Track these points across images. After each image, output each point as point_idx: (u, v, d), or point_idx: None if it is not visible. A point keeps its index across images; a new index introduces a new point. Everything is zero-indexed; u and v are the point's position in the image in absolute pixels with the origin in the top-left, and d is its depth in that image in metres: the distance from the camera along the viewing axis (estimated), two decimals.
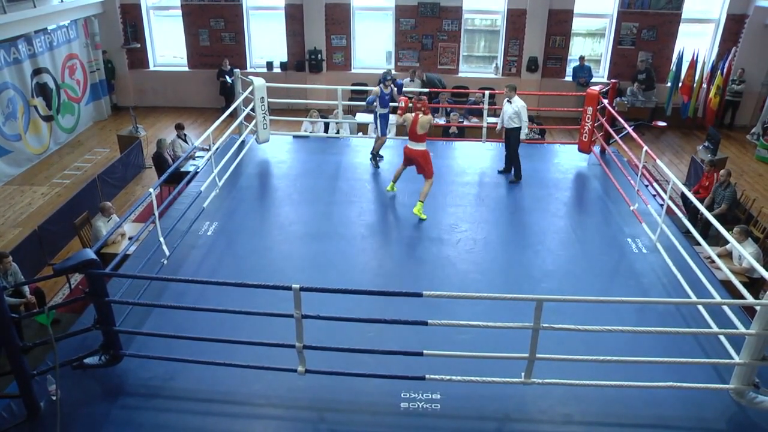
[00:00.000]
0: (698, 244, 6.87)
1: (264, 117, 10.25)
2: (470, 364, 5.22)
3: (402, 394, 5.11)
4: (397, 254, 7.43)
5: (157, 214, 6.78)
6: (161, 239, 6.85)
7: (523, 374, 4.92)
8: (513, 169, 9.49)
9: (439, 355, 5.03)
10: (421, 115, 8.11)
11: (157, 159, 11.08)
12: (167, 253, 6.87)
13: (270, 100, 10.37)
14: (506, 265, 7.30)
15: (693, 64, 15.11)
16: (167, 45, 16.90)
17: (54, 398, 4.77)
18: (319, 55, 16.16)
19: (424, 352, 4.89)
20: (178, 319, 5.75)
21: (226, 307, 5.05)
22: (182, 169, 10.12)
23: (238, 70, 10.71)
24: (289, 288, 4.65)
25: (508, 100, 9.34)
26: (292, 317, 4.76)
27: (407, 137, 8.30)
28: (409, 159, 8.37)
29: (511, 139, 9.42)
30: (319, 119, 12.09)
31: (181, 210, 7.78)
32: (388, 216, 8.34)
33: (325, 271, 6.96)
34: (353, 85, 15.78)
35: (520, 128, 9.29)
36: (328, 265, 7.08)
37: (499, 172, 9.74)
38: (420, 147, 8.24)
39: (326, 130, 12.10)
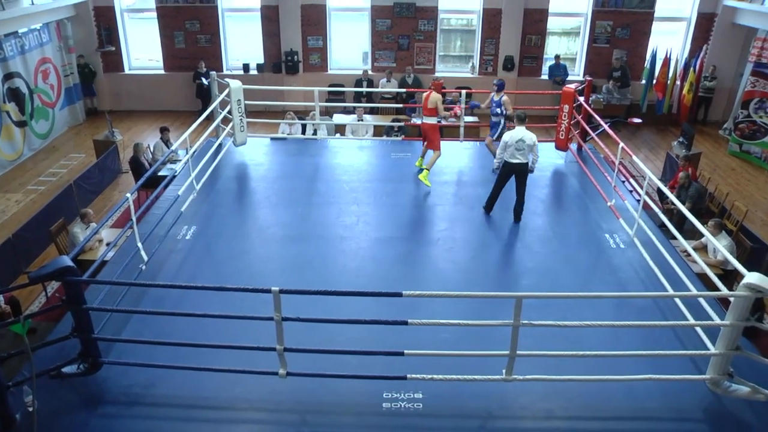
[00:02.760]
0: (674, 238, 6.96)
1: (241, 119, 10.21)
2: (451, 363, 5.23)
3: (384, 395, 5.11)
4: (377, 254, 7.44)
5: (134, 219, 6.72)
6: (139, 245, 6.79)
7: (504, 371, 4.94)
8: (516, 205, 8.25)
9: (420, 354, 5.04)
10: (433, 93, 9.03)
11: (134, 163, 10.97)
12: (145, 258, 6.81)
13: (247, 102, 10.33)
14: (485, 263, 7.34)
15: (666, 61, 15.35)
16: (142, 48, 16.76)
17: (30, 409, 4.69)
18: (296, 57, 16.13)
19: (405, 351, 4.90)
20: (158, 325, 5.70)
21: (206, 312, 5.02)
22: (160, 173, 10.04)
23: (214, 72, 10.66)
24: (268, 291, 4.63)
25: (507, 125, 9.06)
26: (273, 320, 4.74)
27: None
28: (423, 132, 9.48)
29: (519, 175, 8.12)
30: (297, 121, 12.06)
31: (159, 215, 7.71)
32: (366, 217, 8.34)
33: (305, 273, 6.94)
34: (330, 86, 15.78)
35: (527, 163, 8.15)
36: (307, 267, 7.06)
37: (484, 208, 8.49)
38: (429, 120, 9.23)
39: (303, 132, 12.07)
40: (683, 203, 9.70)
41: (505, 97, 9.68)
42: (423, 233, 7.95)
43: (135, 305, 6.16)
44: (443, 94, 9.34)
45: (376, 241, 7.74)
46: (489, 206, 8.42)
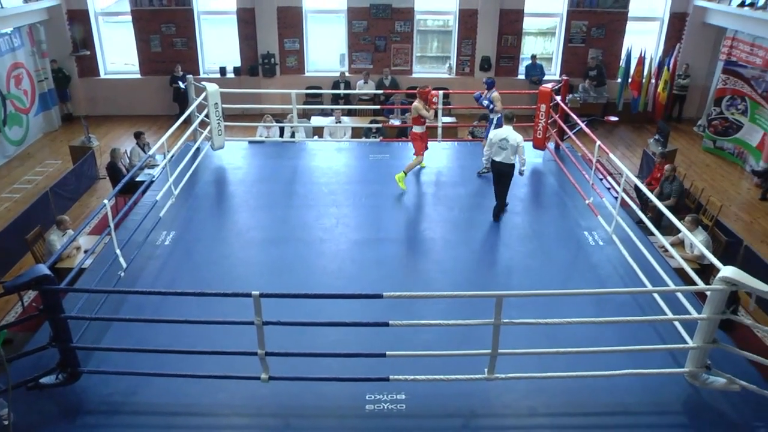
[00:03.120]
0: (652, 234, 7.04)
1: (218, 123, 10.15)
2: (434, 363, 5.25)
3: (367, 396, 5.11)
4: (357, 256, 7.43)
5: (112, 225, 6.65)
6: (117, 251, 6.72)
7: (486, 370, 4.97)
8: (496, 206, 8.32)
9: (402, 355, 5.05)
10: (415, 101, 9.12)
11: (111, 169, 10.86)
12: (124, 265, 6.75)
13: (224, 105, 10.27)
14: (466, 263, 7.36)
15: (641, 60, 15.53)
16: (118, 52, 16.60)
17: (6, 423, 4.61)
18: (273, 59, 16.07)
19: (387, 353, 4.90)
20: (138, 332, 5.64)
21: (186, 318, 4.98)
22: (137, 179, 9.95)
23: (191, 76, 10.58)
24: (248, 295, 4.61)
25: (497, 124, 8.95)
26: (254, 324, 4.72)
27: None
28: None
29: (501, 176, 8.23)
30: (274, 124, 12.02)
31: (137, 220, 7.64)
32: (346, 219, 8.33)
33: (285, 277, 6.92)
34: (307, 88, 15.73)
35: (514, 165, 8.19)
36: (288, 270, 7.04)
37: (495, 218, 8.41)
38: (414, 129, 9.31)
39: (281, 135, 12.03)
40: (667, 196, 9.84)
41: (495, 94, 9.56)
42: (402, 234, 7.97)
43: (114, 313, 6.09)
44: (426, 100, 9.20)
45: (355, 242, 7.74)
46: (499, 212, 8.37)
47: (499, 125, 8.90)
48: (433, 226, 8.19)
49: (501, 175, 8.19)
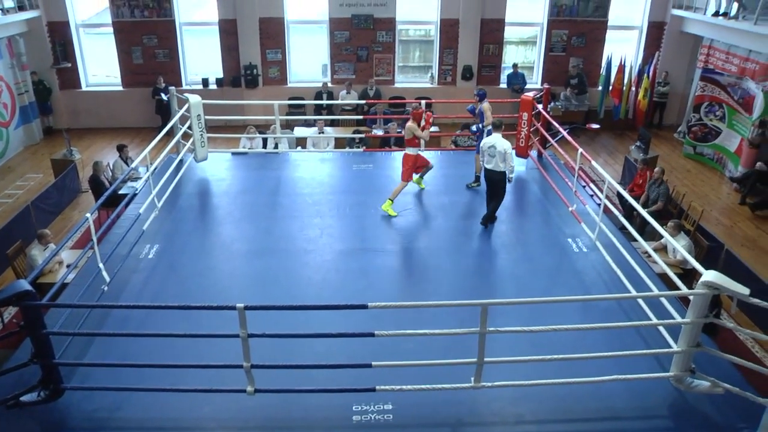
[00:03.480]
0: (635, 240, 7.09)
1: (201, 135, 10.12)
2: (420, 373, 5.24)
3: (354, 407, 5.09)
4: (341, 267, 7.43)
5: (95, 239, 6.59)
6: (101, 265, 6.66)
7: (473, 379, 4.97)
8: (487, 213, 8.35)
9: (388, 365, 5.04)
10: (408, 122, 8.87)
11: (93, 182, 10.77)
12: (107, 279, 6.68)
13: (207, 117, 10.24)
14: (450, 271, 7.38)
15: (621, 68, 15.70)
16: (100, 64, 16.48)
17: None
18: (255, 70, 16.05)
19: (373, 363, 4.89)
20: (123, 347, 5.59)
21: (171, 331, 4.95)
22: (120, 192, 9.88)
23: (173, 87, 10.55)
24: (233, 307, 4.59)
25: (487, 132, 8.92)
26: (239, 337, 4.69)
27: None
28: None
29: (492, 184, 8.30)
30: (257, 135, 12.01)
31: (121, 234, 7.59)
32: (330, 229, 8.33)
33: (270, 288, 6.90)
34: (290, 99, 15.68)
35: (504, 172, 8.20)
36: (272, 282, 7.02)
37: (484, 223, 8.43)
38: (407, 150, 8.93)
39: (265, 146, 12.02)
40: (655, 200, 9.90)
41: (485, 104, 9.43)
42: (387, 244, 7.97)
43: (98, 327, 6.03)
44: (419, 122, 8.89)
45: (340, 253, 7.73)
46: (488, 219, 8.39)
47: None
48: (417, 235, 8.21)
49: (492, 182, 8.26)
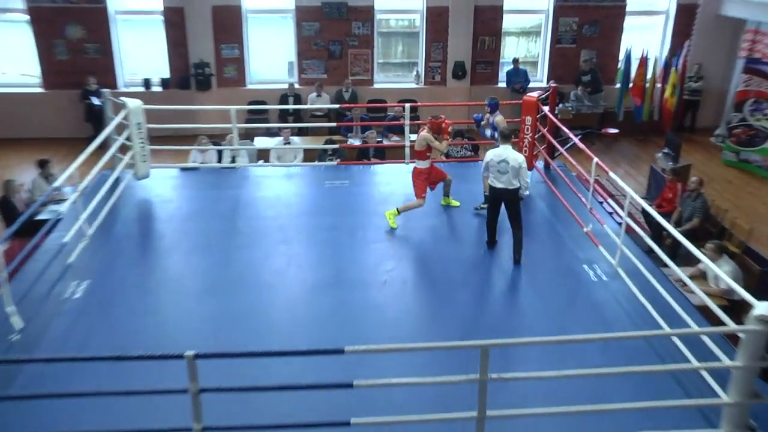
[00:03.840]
0: (666, 265, 7.07)
1: (142, 147, 10.05)
2: (409, 430, 5.17)
3: None
4: (313, 303, 7.38)
5: (5, 275, 6.48)
6: (10, 308, 6.51)
7: None
8: (514, 242, 8.19)
9: (371, 423, 4.96)
10: (423, 131, 8.90)
11: (4, 205, 10.65)
12: (20, 325, 6.54)
13: (149, 126, 10.20)
14: (443, 307, 7.34)
15: (643, 61, 15.81)
16: (11, 59, 16.28)
17: None
18: (208, 69, 16.08)
19: (352, 420, 4.80)
20: (41, 411, 5.45)
21: (101, 389, 4.84)
22: (40, 217, 9.74)
23: (107, 90, 10.49)
24: (181, 356, 4.51)
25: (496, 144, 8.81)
26: (187, 392, 4.60)
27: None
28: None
29: (507, 203, 8.20)
30: (211, 147, 11.97)
31: (39, 269, 7.48)
32: (299, 259, 8.28)
33: (227, 332, 6.79)
34: (250, 103, 15.73)
35: (518, 189, 8.18)
36: (230, 324, 6.92)
37: (487, 243, 8.52)
38: (417, 164, 9.05)
39: (220, 160, 11.98)
40: (690, 217, 9.89)
41: (499, 117, 9.30)
42: (367, 275, 7.92)
43: (5, 389, 5.86)
44: (439, 132, 8.82)
45: (311, 287, 7.68)
46: (490, 241, 8.46)
47: None
48: (403, 264, 8.18)
49: (507, 203, 8.15)
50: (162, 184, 10.48)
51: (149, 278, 7.94)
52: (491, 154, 8.14)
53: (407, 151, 10.81)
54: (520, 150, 10.61)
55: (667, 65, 15.80)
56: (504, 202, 8.17)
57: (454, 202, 9.64)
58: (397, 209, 8.97)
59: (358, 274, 7.94)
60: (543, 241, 8.76)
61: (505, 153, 8.04)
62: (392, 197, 9.93)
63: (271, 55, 16.81)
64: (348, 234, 8.80)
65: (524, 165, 8.07)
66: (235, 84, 16.56)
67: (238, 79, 16.58)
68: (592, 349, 6.26)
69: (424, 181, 9.01)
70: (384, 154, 12.77)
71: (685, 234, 6.84)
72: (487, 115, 9.53)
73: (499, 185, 8.08)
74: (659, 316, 6.61)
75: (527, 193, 8.27)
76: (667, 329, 6.38)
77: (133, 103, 9.94)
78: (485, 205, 9.21)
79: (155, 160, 10.76)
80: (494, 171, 8.08)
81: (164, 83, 16.34)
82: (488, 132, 9.55)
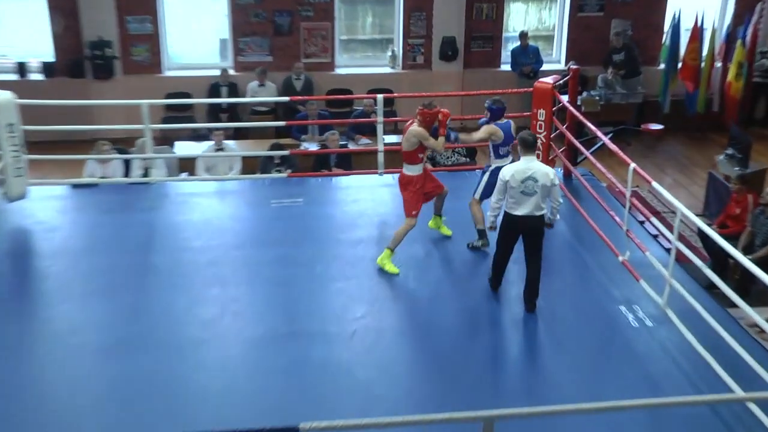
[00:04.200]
0: (734, 305, 7.07)
1: (16, 157, 9.99)
2: None
3: None
4: (257, 364, 7.37)
5: None
6: None
7: None
8: (528, 284, 8.12)
9: None
10: (413, 125, 8.77)
11: None
12: None
13: (26, 127, 10.19)
14: (431, 365, 7.36)
15: (697, 32, 15.83)
16: None
17: None
18: (108, 51, 16.00)
19: None
20: None
21: None
22: None
23: None
24: None
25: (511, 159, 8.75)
26: None
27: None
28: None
29: (529, 235, 8.01)
30: (115, 155, 11.92)
31: None
32: (237, 305, 8.26)
33: (137, 405, 6.73)
34: (168, 96, 15.68)
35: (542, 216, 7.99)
36: (142, 396, 6.86)
37: (490, 283, 8.49)
38: (405, 170, 8.95)
39: (127, 173, 11.94)
40: (764, 241, 9.86)
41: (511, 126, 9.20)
42: (330, 324, 7.92)
43: None
44: (435, 128, 8.73)
45: (254, 343, 7.66)
46: (495, 282, 8.34)
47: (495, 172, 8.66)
48: (377, 309, 8.19)
49: (528, 235, 7.95)
50: (45, 207, 10.46)
51: (28, 332, 7.90)
52: (510, 171, 7.80)
53: (380, 158, 10.84)
54: None
55: (730, 38, 15.85)
56: (524, 235, 7.96)
57: (446, 230, 9.60)
58: (388, 248, 8.81)
59: (318, 323, 7.93)
60: (565, 276, 8.82)
61: (531, 167, 7.76)
62: (362, 220, 9.97)
63: (196, 30, 16.82)
64: (303, 270, 8.80)
65: (557, 181, 7.88)
66: (148, 70, 16.53)
67: (152, 64, 16.55)
68: (635, 418, 6.29)
69: (418, 192, 8.88)
70: (350, 163, 12.80)
71: (758, 263, 6.86)
72: (489, 121, 9.23)
73: (520, 212, 7.78)
74: (726, 374, 6.59)
75: (557, 217, 8.10)
76: (738, 392, 6.36)
77: (2, 96, 9.90)
78: (482, 242, 9.24)
79: (35, 174, 10.74)
80: (516, 194, 7.74)
81: (47, 69, 16.24)
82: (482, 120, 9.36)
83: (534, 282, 7.99)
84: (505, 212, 7.90)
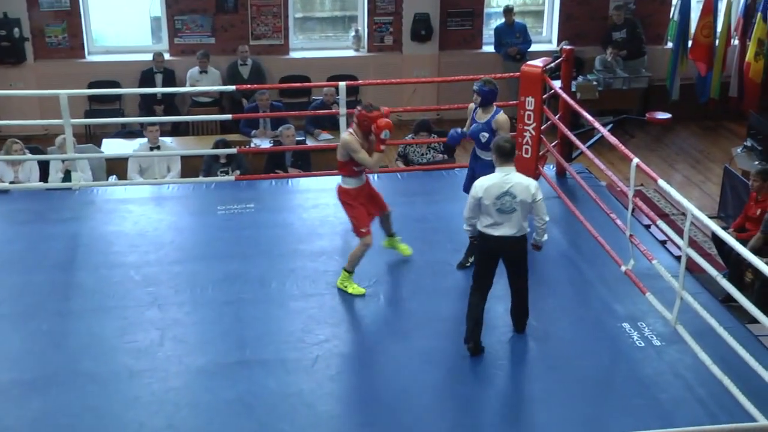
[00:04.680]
0: (755, 320, 7.16)
1: None
2: None
3: None
4: (204, 398, 7.35)
5: None
6: None
7: None
8: (515, 310, 8.15)
9: None
10: (348, 132, 8.70)
11: None
12: None
13: None
14: (402, 395, 7.36)
15: (710, 5, 15.94)
16: None
17: None
18: (17, 30, 15.92)
19: None
20: None
21: None
22: None
23: None
24: None
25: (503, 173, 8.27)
26: None
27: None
28: None
29: (510, 259, 7.92)
30: (28, 156, 11.88)
31: None
32: (178, 329, 8.27)
33: None
34: (92, 85, 15.64)
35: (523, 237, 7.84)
36: None
37: (466, 343, 7.96)
38: (341, 183, 8.93)
39: (45, 177, 11.91)
40: None
41: (501, 116, 9.06)
42: (288, 350, 7.95)
43: None
44: (371, 130, 8.49)
45: (198, 372, 7.69)
46: (475, 335, 7.80)
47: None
48: (342, 331, 8.26)
49: (510, 260, 7.85)
50: None
51: None
52: (483, 185, 7.60)
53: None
54: (518, 148, 10.66)
55: (750, 10, 15.95)
56: (504, 260, 7.83)
57: (404, 248, 9.43)
58: (345, 269, 8.79)
59: (274, 349, 7.96)
60: (560, 290, 8.90)
61: (508, 180, 7.56)
62: (323, 228, 10.01)
63: (124, 6, 16.78)
64: (256, 287, 8.85)
65: (540, 196, 7.66)
66: (67, 54, 16.42)
67: (71, 47, 16.43)
68: None
69: (361, 206, 8.77)
70: (308, 162, 12.86)
71: None
72: (480, 109, 9.19)
73: (495, 233, 7.62)
74: (747, 400, 6.63)
75: (545, 238, 7.95)
76: (762, 420, 6.40)
77: None
78: (468, 262, 9.10)
79: None
80: (492, 212, 7.57)
81: None
82: (482, 138, 9.05)
83: (522, 304, 8.01)
84: (480, 233, 7.76)
